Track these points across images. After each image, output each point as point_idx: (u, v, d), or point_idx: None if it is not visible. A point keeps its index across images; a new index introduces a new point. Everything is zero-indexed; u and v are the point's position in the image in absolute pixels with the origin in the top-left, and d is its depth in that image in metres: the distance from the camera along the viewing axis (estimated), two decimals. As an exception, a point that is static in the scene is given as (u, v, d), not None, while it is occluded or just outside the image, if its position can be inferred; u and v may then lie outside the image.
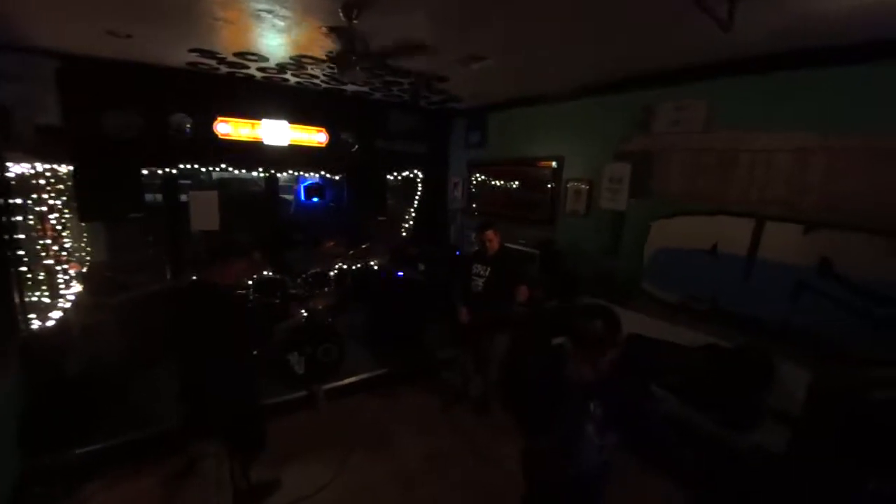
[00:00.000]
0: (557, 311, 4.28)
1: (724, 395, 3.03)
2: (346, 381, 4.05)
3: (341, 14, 2.53)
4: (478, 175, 5.75)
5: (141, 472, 2.97)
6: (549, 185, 4.73)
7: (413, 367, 4.43)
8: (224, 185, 5.43)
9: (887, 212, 2.56)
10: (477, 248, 3.81)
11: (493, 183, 5.53)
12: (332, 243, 4.95)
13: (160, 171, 4.36)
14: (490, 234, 3.63)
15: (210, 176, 5.11)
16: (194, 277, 2.82)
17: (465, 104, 5.40)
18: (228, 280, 2.47)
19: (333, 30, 2.78)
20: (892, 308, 2.56)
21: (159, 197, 4.57)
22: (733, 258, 3.27)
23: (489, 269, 3.63)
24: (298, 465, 3.14)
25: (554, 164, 4.67)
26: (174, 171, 4.42)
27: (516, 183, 5.20)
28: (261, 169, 4.89)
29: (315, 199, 5.34)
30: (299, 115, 4.89)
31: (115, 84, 3.95)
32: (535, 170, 4.92)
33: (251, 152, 4.71)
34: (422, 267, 5.00)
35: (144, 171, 4.24)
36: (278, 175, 5.14)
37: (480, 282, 3.65)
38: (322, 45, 3.18)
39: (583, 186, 4.35)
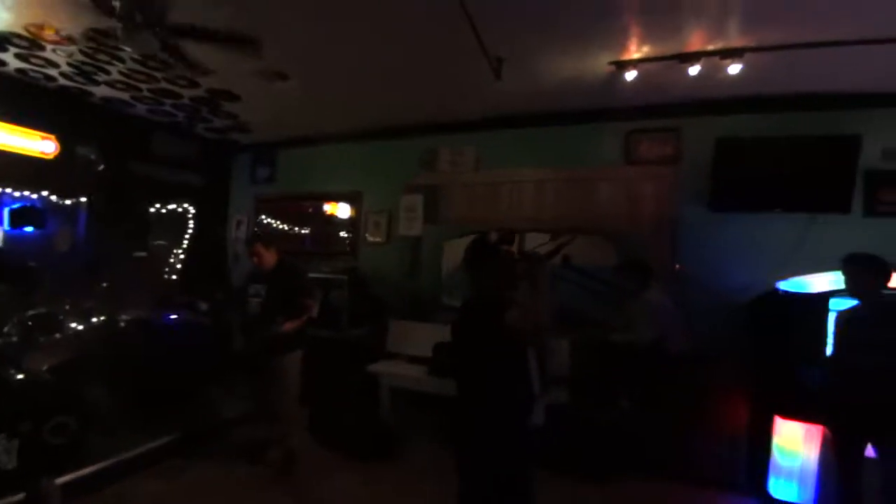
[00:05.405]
0: (366, 337, 4.30)
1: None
2: (101, 464, 2.87)
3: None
4: (267, 213, 5.40)
5: None
6: (348, 218, 4.92)
7: (196, 430, 3.53)
8: None
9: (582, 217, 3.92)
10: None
11: (284, 220, 5.31)
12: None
13: None
14: (257, 247, 3.17)
15: None
16: None
17: (252, 137, 5.13)
18: None
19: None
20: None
21: None
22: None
23: (266, 286, 3.17)
24: None
25: (352, 199, 4.92)
26: None
27: (312, 218, 5.16)
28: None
29: (28, 228, 3.79)
30: (13, 115, 3.63)
31: None
32: (332, 205, 5.03)
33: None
34: (204, 307, 4.16)
35: None
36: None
37: (256, 302, 3.15)
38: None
39: (382, 217, 4.73)
